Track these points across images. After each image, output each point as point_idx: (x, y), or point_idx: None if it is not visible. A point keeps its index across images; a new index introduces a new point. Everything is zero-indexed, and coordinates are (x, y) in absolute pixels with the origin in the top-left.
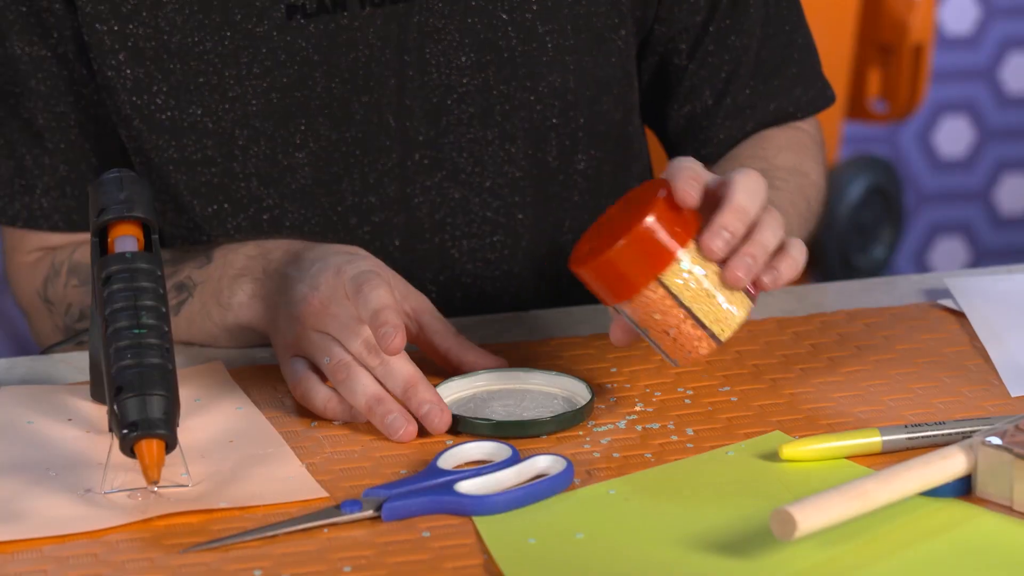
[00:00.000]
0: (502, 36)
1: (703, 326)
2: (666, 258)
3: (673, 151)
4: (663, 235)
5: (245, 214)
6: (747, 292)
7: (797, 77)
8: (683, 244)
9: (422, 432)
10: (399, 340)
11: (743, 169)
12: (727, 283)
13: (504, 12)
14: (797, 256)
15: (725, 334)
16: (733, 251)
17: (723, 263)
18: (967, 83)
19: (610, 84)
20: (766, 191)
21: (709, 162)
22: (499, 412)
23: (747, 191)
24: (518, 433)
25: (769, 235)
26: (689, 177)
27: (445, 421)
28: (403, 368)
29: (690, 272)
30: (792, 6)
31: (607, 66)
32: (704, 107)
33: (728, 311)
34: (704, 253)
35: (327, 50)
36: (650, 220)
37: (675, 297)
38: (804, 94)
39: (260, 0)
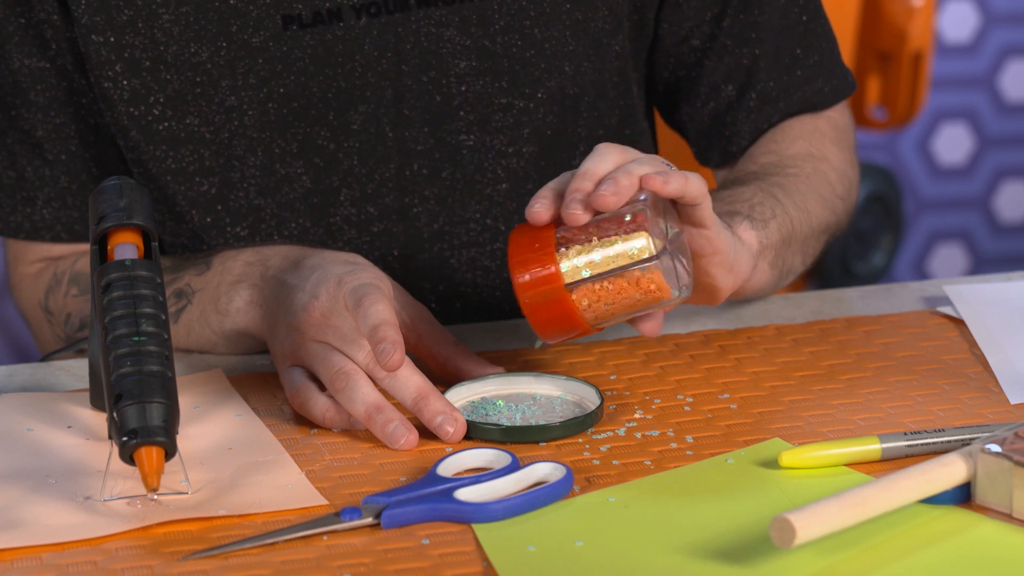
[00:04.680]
0: (499, 43)
1: (633, 267)
2: (556, 286)
3: (700, 151)
4: (536, 274)
5: (243, 224)
6: (630, 223)
7: (818, 66)
8: (553, 259)
9: (422, 439)
10: (398, 356)
11: (597, 146)
12: (597, 229)
13: (501, 19)
14: (635, 168)
15: (649, 250)
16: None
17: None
18: (966, 91)
19: (608, 89)
20: (620, 152)
21: (736, 158)
22: (509, 417)
23: (591, 158)
24: (529, 438)
25: (589, 163)
26: (535, 198)
27: (460, 431)
28: (412, 379)
29: (577, 262)
30: None
31: (604, 71)
32: (728, 102)
33: (631, 243)
34: (570, 222)
35: (324, 60)
36: (519, 280)
37: (593, 281)
38: (826, 83)
39: (256, 11)
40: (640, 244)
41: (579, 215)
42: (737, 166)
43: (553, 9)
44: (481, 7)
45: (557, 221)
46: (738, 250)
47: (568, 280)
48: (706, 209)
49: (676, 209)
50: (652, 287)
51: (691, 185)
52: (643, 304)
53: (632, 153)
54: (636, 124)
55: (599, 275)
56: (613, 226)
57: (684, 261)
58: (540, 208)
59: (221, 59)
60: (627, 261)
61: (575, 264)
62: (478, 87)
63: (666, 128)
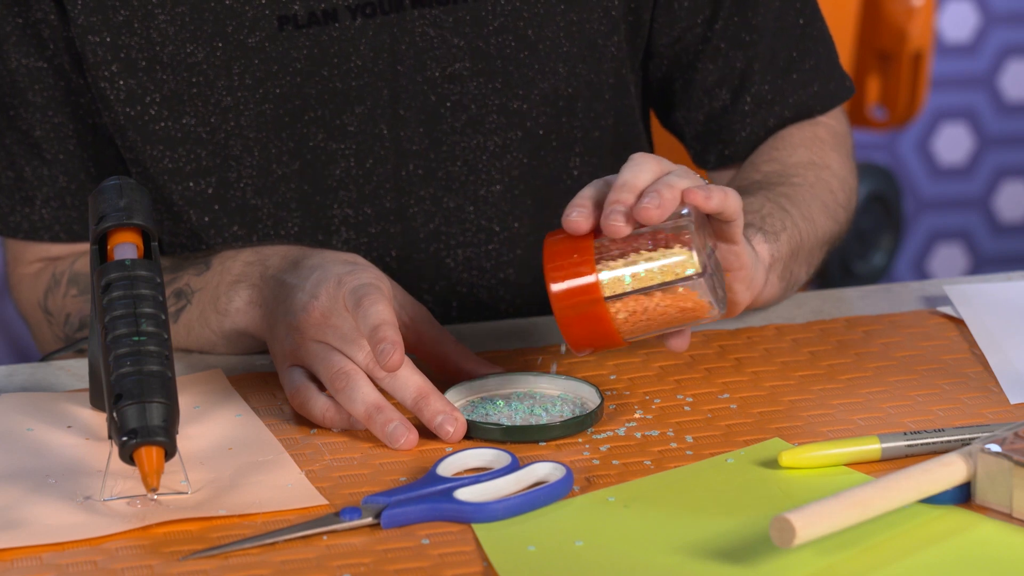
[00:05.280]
0: (494, 44)
1: (677, 284)
2: (595, 297)
3: (696, 154)
4: (575, 284)
5: (240, 224)
6: (674, 237)
7: (815, 70)
8: (593, 269)
9: (422, 439)
10: (397, 357)
11: (632, 156)
12: (630, 243)
13: (495, 20)
14: (676, 182)
15: (694, 266)
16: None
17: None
18: (966, 90)
19: (603, 90)
20: (657, 163)
21: (734, 162)
22: (509, 417)
23: (630, 169)
24: (529, 438)
25: (628, 174)
26: (572, 206)
27: (460, 431)
28: (412, 379)
29: (619, 274)
30: None
31: (600, 72)
32: (723, 105)
33: (676, 258)
34: (611, 234)
35: (319, 61)
36: (555, 288)
37: (634, 295)
38: (823, 87)
39: (252, 11)
40: (684, 259)
41: (621, 227)
42: (740, 174)
43: (547, 10)
44: (475, 8)
45: (595, 231)
46: (756, 264)
47: (609, 292)
48: (739, 225)
49: (710, 223)
50: (695, 304)
51: (730, 201)
52: (681, 320)
53: (667, 164)
54: (632, 126)
55: (641, 289)
56: (656, 239)
57: (720, 277)
58: (579, 217)
59: (217, 59)
60: (672, 276)
61: (617, 276)
62: (472, 88)
63: (660, 130)
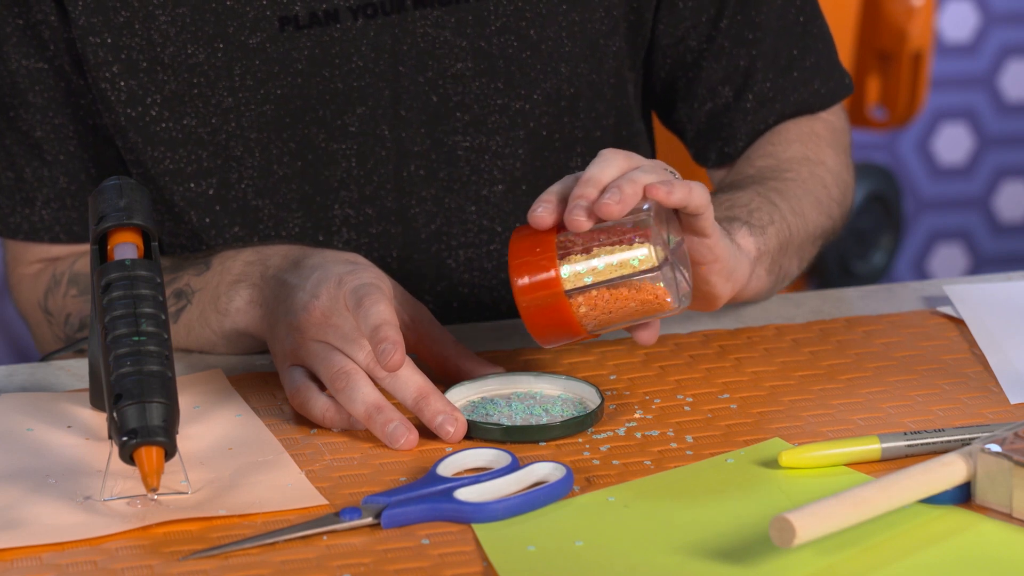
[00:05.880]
0: (496, 44)
1: (635, 277)
2: (556, 291)
3: (697, 152)
4: (536, 279)
5: (241, 224)
6: (634, 232)
7: (815, 68)
8: (554, 264)
9: (422, 439)
10: (398, 357)
11: (601, 151)
12: (592, 238)
13: (498, 20)
14: (639, 177)
15: (652, 260)
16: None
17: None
18: (966, 90)
19: (605, 90)
20: (625, 159)
21: (733, 159)
22: (509, 417)
23: (596, 164)
24: (529, 438)
25: (594, 169)
26: (538, 202)
27: (460, 431)
28: (413, 379)
29: (579, 268)
30: None
31: (602, 72)
32: (725, 103)
33: (634, 252)
34: (573, 229)
35: (321, 61)
36: (518, 283)
37: (594, 288)
38: (823, 85)
39: (253, 12)
40: (643, 254)
41: (582, 222)
42: (734, 168)
43: (549, 10)
44: (477, 8)
45: (559, 225)
46: (737, 257)
47: (569, 286)
48: (708, 219)
49: (678, 217)
50: (653, 297)
51: (694, 195)
52: (642, 313)
53: (636, 159)
54: (632, 125)
55: (601, 283)
56: (616, 234)
57: (684, 271)
58: (543, 212)
59: (218, 60)
60: (630, 270)
61: (577, 270)
62: (474, 88)
63: (663, 129)
